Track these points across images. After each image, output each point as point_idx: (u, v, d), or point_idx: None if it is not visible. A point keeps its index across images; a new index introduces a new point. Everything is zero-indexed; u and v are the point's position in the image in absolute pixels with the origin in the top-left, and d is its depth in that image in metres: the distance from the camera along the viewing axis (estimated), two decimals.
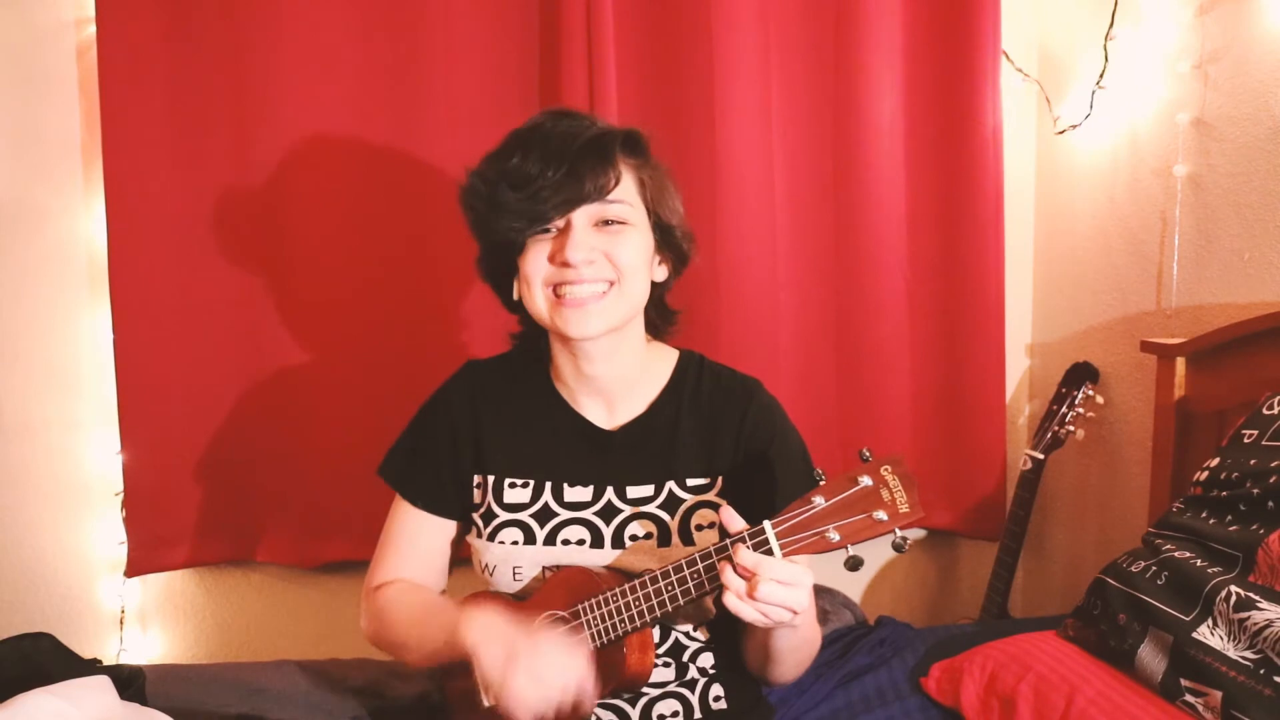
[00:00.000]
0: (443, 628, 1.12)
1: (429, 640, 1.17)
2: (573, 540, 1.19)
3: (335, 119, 1.85)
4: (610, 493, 1.21)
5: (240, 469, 1.92)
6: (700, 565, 1.05)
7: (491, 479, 1.24)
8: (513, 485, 1.23)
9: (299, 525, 1.94)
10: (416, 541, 1.28)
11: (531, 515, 1.21)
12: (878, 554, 2.23)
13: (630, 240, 1.15)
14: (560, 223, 1.13)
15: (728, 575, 1.00)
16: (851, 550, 1.01)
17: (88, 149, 1.88)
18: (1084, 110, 1.94)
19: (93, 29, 1.78)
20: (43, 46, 1.84)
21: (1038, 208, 2.16)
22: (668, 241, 1.21)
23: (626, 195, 1.15)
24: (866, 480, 1.00)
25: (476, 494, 1.25)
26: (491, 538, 1.21)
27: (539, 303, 1.16)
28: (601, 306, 1.14)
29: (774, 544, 1.00)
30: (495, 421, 1.25)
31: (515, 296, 1.20)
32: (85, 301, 1.91)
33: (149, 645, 2.03)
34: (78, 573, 1.97)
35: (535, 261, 1.14)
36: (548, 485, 1.22)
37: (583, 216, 1.13)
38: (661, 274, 1.23)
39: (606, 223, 1.14)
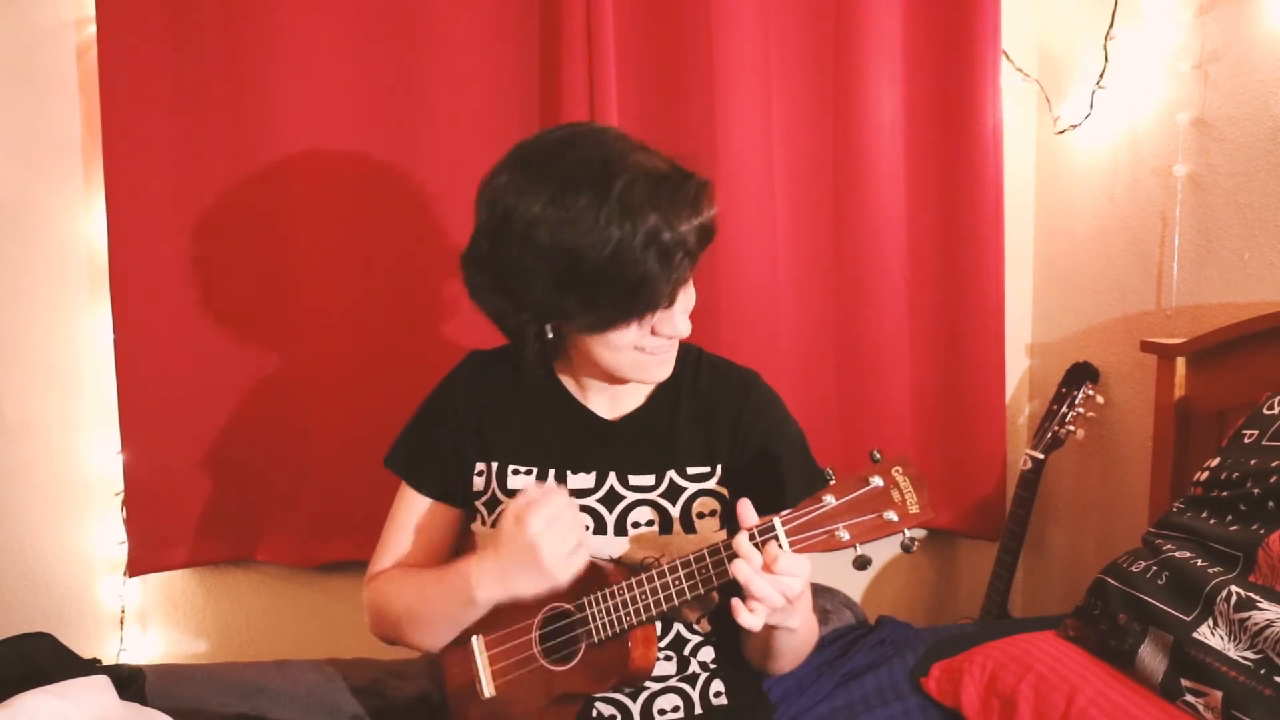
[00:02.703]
0: (447, 575, 1.16)
1: (438, 597, 1.18)
2: None
3: (335, 117, 1.85)
4: (613, 479, 1.21)
5: (241, 468, 1.92)
6: (709, 560, 1.06)
7: (495, 466, 1.25)
8: (516, 472, 1.24)
9: (300, 525, 1.94)
10: (421, 529, 1.29)
11: None
12: (878, 553, 2.23)
13: (692, 289, 1.15)
14: None
15: (735, 566, 1.01)
16: (860, 550, 1.01)
17: (88, 149, 1.87)
18: (1084, 110, 1.94)
19: (93, 29, 1.78)
20: (43, 46, 1.84)
21: (1038, 208, 2.16)
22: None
23: None
24: (877, 481, 1.01)
25: (479, 482, 1.26)
26: (495, 525, 1.21)
27: (623, 363, 1.14)
28: (676, 353, 1.18)
29: (783, 540, 1.01)
30: (498, 410, 1.26)
31: (549, 334, 1.16)
32: (85, 301, 1.91)
33: (149, 645, 2.03)
34: (78, 573, 1.97)
35: (634, 333, 1.10)
36: (551, 472, 1.23)
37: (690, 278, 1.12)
38: None
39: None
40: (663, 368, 1.17)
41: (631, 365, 1.15)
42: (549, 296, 1.08)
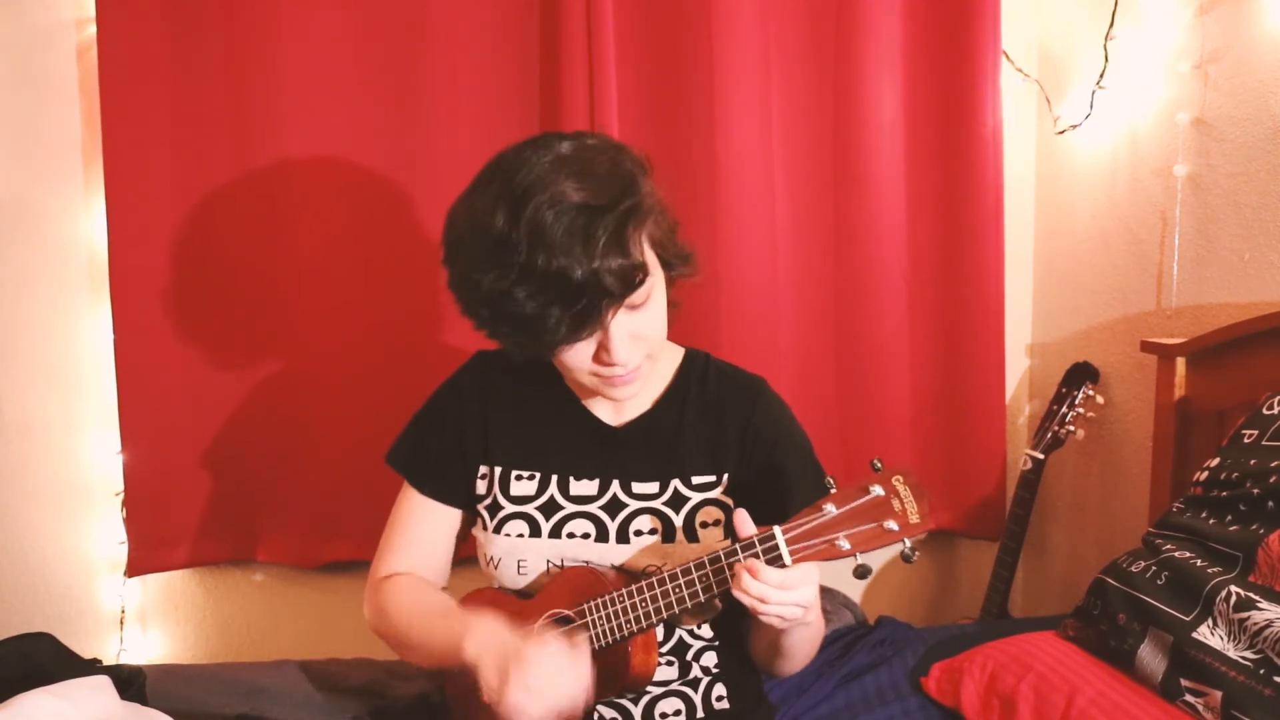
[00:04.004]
0: (445, 634, 1.12)
1: (432, 645, 1.17)
2: (578, 534, 1.19)
3: (335, 117, 1.85)
4: (616, 486, 1.21)
5: (241, 469, 1.92)
6: (709, 569, 1.05)
7: (498, 470, 1.24)
8: (519, 478, 1.23)
9: (300, 525, 1.94)
10: (422, 530, 1.28)
11: (537, 508, 1.21)
12: (879, 554, 2.23)
13: (655, 308, 1.10)
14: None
15: (745, 583, 1.00)
16: (860, 559, 1.01)
17: (88, 149, 1.87)
18: (1084, 110, 1.94)
19: (93, 29, 1.78)
20: (43, 46, 1.84)
21: (1038, 208, 2.16)
22: (678, 269, 1.17)
23: (648, 262, 1.07)
24: (878, 490, 1.00)
25: (482, 485, 1.25)
26: (497, 530, 1.21)
27: (585, 383, 1.13)
28: (641, 375, 1.13)
29: (784, 550, 1.01)
30: (504, 413, 1.25)
31: None
32: (85, 301, 1.91)
33: (149, 645, 2.03)
34: (78, 573, 1.97)
35: (577, 358, 1.09)
36: (554, 478, 1.22)
37: (615, 313, 1.05)
38: None
39: (634, 305, 1.07)
40: (625, 389, 1.12)
41: (592, 385, 1.13)
42: (472, 312, 1.09)
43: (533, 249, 0.99)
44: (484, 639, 1.07)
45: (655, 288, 1.09)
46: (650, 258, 1.08)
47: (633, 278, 1.02)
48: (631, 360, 1.09)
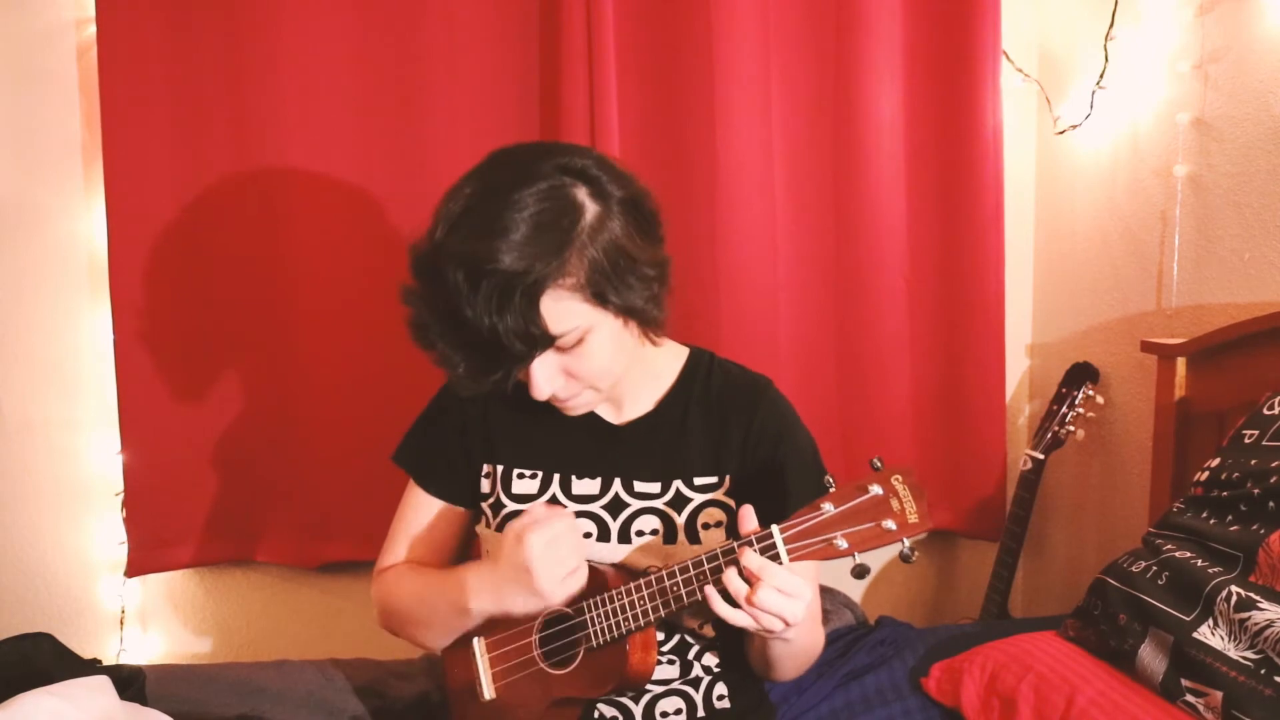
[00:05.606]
0: (446, 581, 1.18)
1: (436, 602, 1.19)
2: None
3: (335, 118, 1.85)
4: (618, 485, 1.21)
5: (241, 469, 1.92)
6: (706, 567, 1.05)
7: (500, 469, 1.24)
8: (521, 476, 1.23)
9: (299, 525, 1.94)
10: (427, 527, 1.29)
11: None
12: (879, 554, 2.23)
13: (592, 350, 1.07)
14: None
15: (729, 577, 1.01)
16: (858, 558, 1.01)
17: (88, 149, 1.88)
18: (1084, 110, 1.94)
19: (93, 29, 1.78)
20: (43, 46, 1.84)
21: (1038, 208, 2.16)
22: (633, 311, 1.09)
23: (571, 319, 1.03)
24: (876, 489, 1.00)
25: (485, 483, 1.25)
26: (500, 528, 1.21)
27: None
28: (586, 402, 1.15)
29: (781, 549, 1.00)
30: (505, 411, 1.26)
31: None
32: (85, 301, 1.91)
33: (149, 645, 2.03)
34: (78, 573, 1.97)
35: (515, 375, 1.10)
36: (556, 477, 1.22)
37: (536, 356, 1.05)
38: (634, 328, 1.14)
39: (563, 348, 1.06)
40: (570, 410, 1.15)
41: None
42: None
43: (448, 296, 1.02)
44: (483, 562, 1.18)
45: (595, 331, 1.06)
46: (584, 312, 1.04)
47: (539, 342, 1.03)
48: (560, 393, 1.11)
